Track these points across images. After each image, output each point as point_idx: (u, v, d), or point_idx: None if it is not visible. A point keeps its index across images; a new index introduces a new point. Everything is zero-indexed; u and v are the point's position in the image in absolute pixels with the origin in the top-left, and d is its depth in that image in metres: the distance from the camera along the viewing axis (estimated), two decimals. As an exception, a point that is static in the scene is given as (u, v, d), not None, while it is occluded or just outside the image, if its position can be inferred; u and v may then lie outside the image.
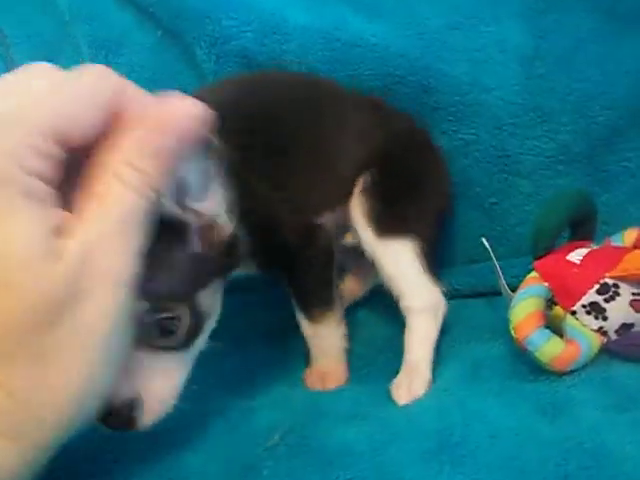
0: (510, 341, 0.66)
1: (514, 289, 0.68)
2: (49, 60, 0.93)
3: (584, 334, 0.64)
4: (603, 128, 0.86)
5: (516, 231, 0.89)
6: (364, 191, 0.76)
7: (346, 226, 0.78)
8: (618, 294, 0.65)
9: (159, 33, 0.92)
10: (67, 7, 0.94)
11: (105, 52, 0.93)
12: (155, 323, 0.52)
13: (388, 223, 0.75)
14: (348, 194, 0.77)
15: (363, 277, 0.88)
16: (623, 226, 0.74)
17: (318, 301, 0.73)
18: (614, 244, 0.73)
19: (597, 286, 0.65)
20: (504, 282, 0.71)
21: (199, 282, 0.56)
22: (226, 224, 0.56)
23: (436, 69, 0.85)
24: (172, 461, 0.56)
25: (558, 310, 0.67)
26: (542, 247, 0.70)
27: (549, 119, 0.86)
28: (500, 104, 0.86)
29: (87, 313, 0.39)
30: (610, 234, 0.74)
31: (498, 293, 0.73)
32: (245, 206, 0.60)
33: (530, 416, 0.58)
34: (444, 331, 0.74)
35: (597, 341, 0.64)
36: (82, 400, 0.40)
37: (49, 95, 0.42)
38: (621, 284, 0.65)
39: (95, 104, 0.42)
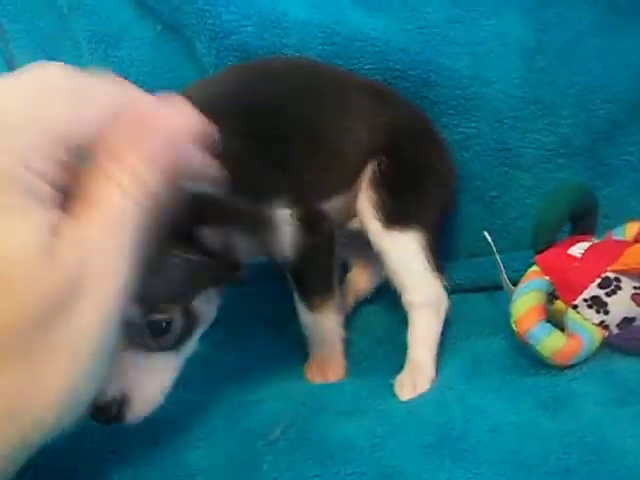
0: (511, 335, 0.66)
1: (515, 283, 0.68)
2: (48, 54, 0.94)
3: (585, 328, 0.64)
4: (604, 121, 0.86)
5: (517, 225, 0.88)
6: (372, 182, 0.76)
7: (351, 211, 0.78)
8: (620, 288, 0.65)
9: (159, 27, 0.92)
10: (66, 1, 0.94)
11: (104, 46, 0.93)
12: (147, 324, 0.52)
13: (396, 216, 0.74)
14: (354, 179, 0.77)
15: (369, 274, 0.87)
16: (624, 220, 0.74)
17: (319, 289, 0.73)
18: (615, 238, 0.72)
19: (598, 280, 0.65)
20: (505, 276, 0.71)
21: (196, 287, 0.57)
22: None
23: (437, 63, 0.84)
24: (172, 456, 0.56)
25: (559, 304, 0.66)
26: (543, 241, 0.70)
27: (550, 112, 0.86)
28: (501, 97, 0.86)
29: (81, 315, 0.39)
30: (611, 228, 0.74)
31: (499, 287, 0.73)
32: (247, 193, 0.60)
33: (531, 410, 0.58)
34: (445, 325, 0.73)
35: (598, 335, 0.64)
36: (71, 400, 0.40)
37: (65, 100, 0.42)
38: (622, 278, 0.65)
39: (107, 114, 0.42)
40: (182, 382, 0.58)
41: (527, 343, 0.62)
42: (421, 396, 0.65)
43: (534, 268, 0.68)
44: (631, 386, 0.59)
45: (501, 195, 0.89)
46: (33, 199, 0.38)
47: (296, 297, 0.73)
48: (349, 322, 0.76)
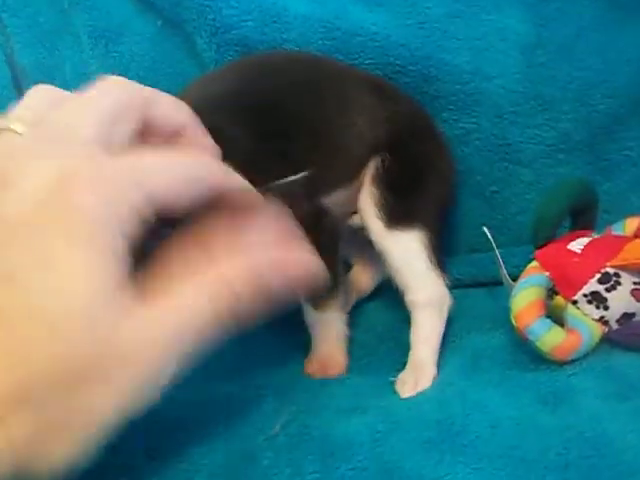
0: (511, 331, 0.66)
1: (515, 278, 0.68)
2: (49, 50, 0.94)
3: (585, 323, 0.64)
4: (604, 116, 0.86)
5: (517, 220, 0.89)
6: (374, 179, 0.75)
7: (352, 206, 0.78)
8: (619, 283, 0.65)
9: (159, 22, 0.92)
10: (67, -4, 0.94)
11: (105, 41, 0.93)
12: None
13: (398, 214, 0.74)
14: (357, 173, 0.76)
15: (371, 271, 0.87)
16: (624, 215, 0.74)
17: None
18: (615, 233, 0.72)
19: (598, 275, 0.65)
20: (505, 271, 0.71)
21: None
22: None
23: (437, 58, 0.84)
24: (172, 452, 0.56)
25: (559, 300, 0.67)
26: (543, 236, 0.70)
27: (550, 107, 0.86)
28: (501, 92, 0.86)
29: (108, 392, 0.38)
30: (611, 223, 0.74)
31: (499, 283, 0.73)
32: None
33: (531, 405, 0.58)
34: (446, 321, 0.74)
35: (598, 330, 0.64)
36: (74, 456, 0.40)
37: (165, 166, 0.42)
38: (622, 273, 0.65)
39: (197, 188, 0.42)
40: (182, 378, 0.58)
41: (527, 338, 0.62)
42: (421, 393, 0.65)
43: (534, 263, 0.68)
44: (631, 381, 0.59)
45: (501, 190, 0.89)
46: (115, 260, 0.38)
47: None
48: (351, 319, 0.75)
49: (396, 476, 0.51)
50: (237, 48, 0.84)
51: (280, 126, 0.70)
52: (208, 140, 0.50)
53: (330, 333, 0.74)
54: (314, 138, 0.73)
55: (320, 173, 0.72)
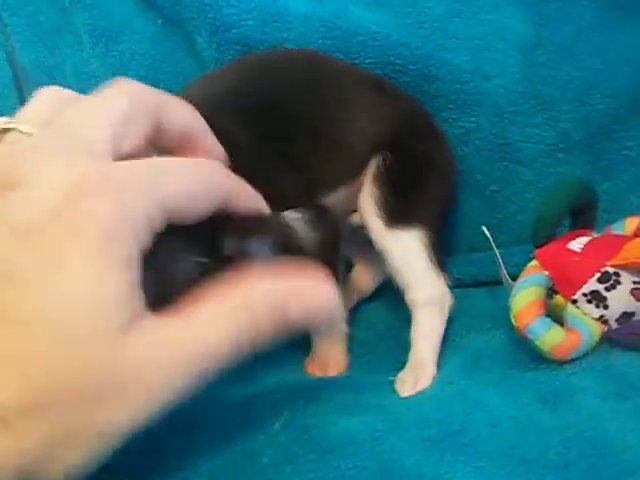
0: (511, 330, 0.66)
1: (515, 278, 0.68)
2: (50, 48, 0.94)
3: (585, 323, 0.64)
4: (604, 116, 0.85)
5: (517, 219, 0.88)
6: (375, 178, 0.75)
7: (353, 205, 0.78)
8: (619, 283, 0.65)
9: (159, 21, 0.92)
10: (67, -6, 0.94)
11: (105, 40, 0.93)
12: None
13: (399, 214, 0.74)
14: (359, 170, 0.76)
15: (372, 272, 0.87)
16: (624, 215, 0.74)
17: None
18: (615, 232, 0.73)
19: (598, 274, 0.65)
20: (505, 271, 0.71)
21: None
22: None
23: (437, 57, 0.84)
24: (171, 450, 0.56)
25: (559, 299, 0.67)
26: (543, 235, 0.70)
27: (550, 107, 0.86)
28: (501, 92, 0.86)
29: (121, 409, 0.38)
30: (611, 223, 0.74)
31: (499, 282, 0.73)
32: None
33: (530, 405, 0.58)
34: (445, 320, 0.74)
35: (598, 330, 0.64)
36: (82, 469, 0.39)
37: (178, 173, 0.42)
38: (622, 272, 0.65)
39: (213, 199, 0.43)
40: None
41: (526, 338, 0.62)
42: (421, 391, 0.65)
43: (533, 263, 0.68)
44: (630, 380, 0.59)
45: (501, 190, 0.89)
46: (128, 270, 0.37)
47: None
48: (351, 317, 0.76)
49: (396, 475, 0.51)
50: (237, 47, 0.84)
51: (281, 125, 0.70)
52: (217, 146, 0.50)
53: (330, 332, 0.74)
54: (315, 136, 0.73)
55: (321, 171, 0.72)
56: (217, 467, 0.54)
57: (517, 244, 0.83)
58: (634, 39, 0.85)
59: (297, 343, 0.76)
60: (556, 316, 0.65)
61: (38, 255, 0.36)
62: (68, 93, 0.47)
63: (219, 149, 0.50)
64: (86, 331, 0.36)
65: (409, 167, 0.76)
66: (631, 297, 0.65)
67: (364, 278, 0.88)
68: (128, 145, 0.43)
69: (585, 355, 0.64)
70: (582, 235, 0.70)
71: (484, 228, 0.72)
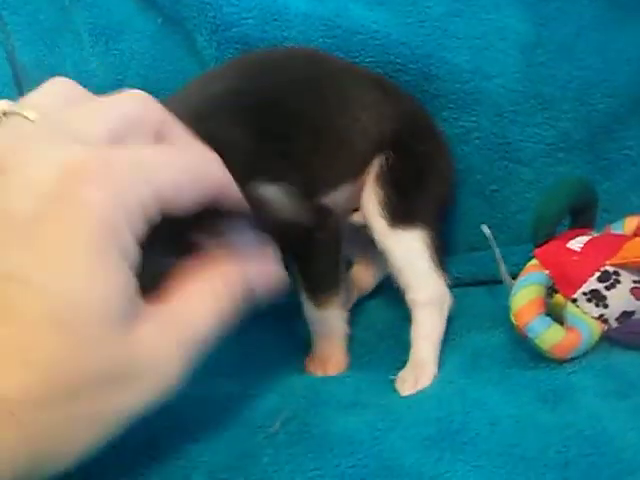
0: (510, 329, 0.66)
1: (515, 277, 0.68)
2: (50, 47, 0.94)
3: (585, 322, 0.64)
4: (604, 116, 0.86)
5: (517, 218, 0.89)
6: (378, 177, 0.75)
7: (355, 203, 0.78)
8: (619, 282, 0.65)
9: (159, 20, 0.92)
10: (67, -7, 0.94)
11: (105, 39, 0.92)
12: None
13: (402, 214, 0.74)
14: (361, 169, 0.76)
15: (372, 269, 0.87)
16: (624, 214, 0.74)
17: (325, 286, 0.73)
18: (614, 232, 0.73)
19: (598, 274, 0.65)
20: (505, 269, 0.71)
21: None
22: None
23: (437, 57, 0.84)
24: (171, 449, 0.56)
25: (559, 298, 0.67)
26: (542, 234, 0.70)
27: (550, 106, 0.86)
28: (501, 92, 0.86)
29: (123, 397, 0.38)
30: (611, 222, 0.74)
31: (499, 281, 0.73)
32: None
33: (530, 403, 0.58)
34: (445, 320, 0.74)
35: (598, 329, 0.64)
36: (84, 454, 0.40)
37: (172, 161, 0.42)
38: (622, 272, 0.65)
39: (202, 188, 0.42)
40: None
41: (526, 336, 0.62)
42: (421, 390, 0.65)
43: (533, 262, 0.68)
44: (630, 379, 0.59)
45: (501, 189, 0.89)
46: (123, 259, 0.37)
47: (302, 293, 0.73)
48: (351, 317, 0.75)
49: (396, 473, 0.51)
50: (237, 46, 0.84)
51: (281, 124, 0.70)
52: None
53: (331, 331, 0.74)
54: (316, 135, 0.73)
55: (322, 170, 0.72)
56: (217, 466, 0.54)
57: (517, 243, 0.83)
58: (634, 38, 0.85)
59: (297, 343, 0.76)
60: (556, 315, 0.65)
61: (37, 251, 0.36)
62: (76, 89, 0.46)
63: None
64: (88, 325, 0.36)
65: (411, 167, 0.76)
66: (631, 296, 0.65)
67: (364, 276, 0.88)
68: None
69: (585, 354, 0.64)
70: (582, 234, 0.70)
71: (484, 227, 0.72)
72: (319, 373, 0.72)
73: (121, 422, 0.39)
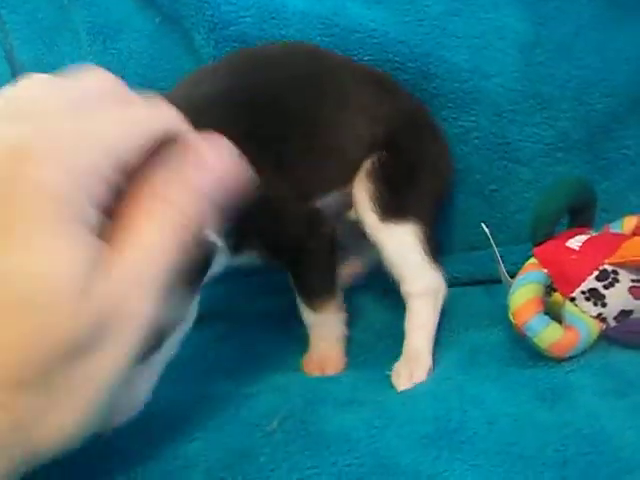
0: (509, 327, 0.66)
1: (513, 276, 0.68)
2: (48, 46, 0.94)
3: (583, 320, 0.64)
4: (602, 115, 0.86)
5: (516, 218, 0.89)
6: (370, 174, 0.75)
7: (348, 203, 0.78)
8: (617, 281, 0.65)
9: (157, 19, 0.92)
10: (66, -8, 0.94)
11: (103, 38, 0.92)
12: None
13: (393, 207, 0.74)
14: (354, 173, 0.76)
15: (363, 259, 0.87)
16: (623, 214, 0.74)
17: (320, 290, 0.73)
18: (613, 231, 0.72)
19: (596, 272, 0.65)
20: (503, 268, 0.71)
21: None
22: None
23: (436, 55, 0.84)
24: (169, 449, 0.56)
25: (557, 297, 0.67)
26: (541, 234, 0.70)
27: (549, 106, 0.86)
28: (500, 91, 0.86)
29: (105, 354, 0.38)
30: (610, 221, 0.74)
31: (497, 281, 0.73)
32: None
33: (529, 402, 0.58)
34: (443, 318, 0.74)
35: (596, 327, 0.64)
36: (82, 428, 0.40)
37: (117, 115, 0.41)
38: (620, 270, 0.65)
39: (154, 137, 0.42)
40: (181, 375, 0.58)
41: (525, 335, 0.62)
42: (419, 387, 0.65)
43: (532, 260, 0.68)
44: (628, 378, 0.59)
45: (500, 189, 0.89)
46: (83, 226, 0.37)
47: (298, 297, 0.73)
48: (350, 318, 0.75)
49: (392, 472, 0.51)
50: (235, 44, 0.84)
51: (275, 127, 0.70)
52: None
53: (328, 334, 0.74)
54: (310, 139, 0.73)
55: (315, 176, 0.72)
56: (215, 465, 0.54)
57: (516, 243, 0.83)
58: (633, 38, 0.85)
59: (294, 342, 0.76)
60: (554, 314, 0.65)
61: None
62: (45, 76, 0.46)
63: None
64: (54, 301, 0.36)
65: (403, 163, 0.77)
66: (629, 295, 0.65)
67: (355, 265, 0.88)
68: None
69: (583, 353, 0.63)
70: (581, 233, 0.70)
71: (483, 225, 0.72)
72: (317, 373, 0.72)
73: (109, 385, 0.39)
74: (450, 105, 0.86)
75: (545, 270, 0.67)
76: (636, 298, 0.65)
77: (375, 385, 0.66)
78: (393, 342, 0.75)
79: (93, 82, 0.43)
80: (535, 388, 0.60)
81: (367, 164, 0.76)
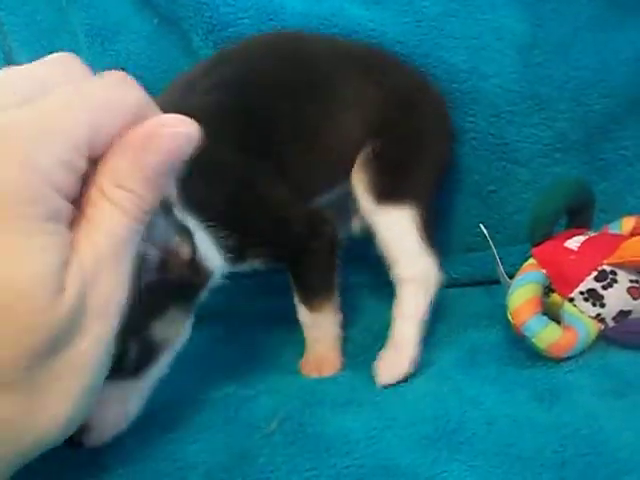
0: (508, 328, 0.66)
1: (512, 277, 0.68)
2: (47, 48, 0.93)
3: (582, 321, 0.64)
4: (600, 116, 0.85)
5: (514, 219, 0.88)
6: (366, 162, 0.75)
7: (350, 204, 0.78)
8: (616, 281, 0.65)
9: (155, 21, 0.92)
10: (64, -6, 0.94)
11: (101, 39, 0.93)
12: None
13: (389, 191, 0.74)
14: (351, 167, 0.76)
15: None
16: (620, 214, 0.74)
17: (320, 291, 0.73)
18: (612, 232, 0.72)
19: (595, 273, 0.65)
20: (502, 269, 0.71)
21: (152, 313, 0.54)
22: (186, 246, 0.55)
23: (434, 56, 0.84)
24: (168, 450, 0.56)
25: (556, 297, 0.67)
26: (540, 234, 0.71)
27: (547, 107, 0.86)
28: (498, 92, 0.86)
29: (82, 344, 0.38)
30: (608, 222, 0.74)
31: (495, 282, 0.73)
32: (246, 203, 0.60)
33: (527, 402, 0.58)
34: (442, 319, 0.74)
35: (594, 328, 0.64)
36: (70, 420, 0.40)
37: (81, 103, 0.40)
38: (619, 271, 0.65)
39: (121, 117, 0.41)
40: (180, 376, 0.58)
41: (523, 335, 0.62)
42: (417, 388, 0.64)
43: (531, 261, 0.68)
44: (627, 378, 0.59)
45: (498, 189, 0.89)
46: (54, 222, 0.37)
47: (296, 297, 0.73)
48: (348, 319, 0.75)
49: (392, 473, 0.51)
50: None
51: (271, 129, 0.70)
52: None
53: (325, 335, 0.74)
54: (303, 140, 0.73)
55: (313, 175, 0.72)
56: (214, 466, 0.54)
57: (514, 244, 0.83)
58: (631, 39, 0.85)
59: (292, 344, 0.76)
60: (553, 314, 0.65)
61: None
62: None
63: None
64: (28, 302, 0.36)
65: (399, 148, 0.76)
66: (628, 296, 0.65)
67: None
68: None
69: (582, 353, 0.64)
70: (579, 234, 0.70)
71: (482, 226, 0.72)
72: (314, 375, 0.72)
73: (92, 367, 0.40)
74: (448, 106, 0.86)
75: (544, 270, 0.67)
76: (635, 298, 0.65)
77: (373, 386, 0.66)
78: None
79: (56, 68, 0.43)
80: (534, 388, 0.60)
81: (363, 153, 0.76)
